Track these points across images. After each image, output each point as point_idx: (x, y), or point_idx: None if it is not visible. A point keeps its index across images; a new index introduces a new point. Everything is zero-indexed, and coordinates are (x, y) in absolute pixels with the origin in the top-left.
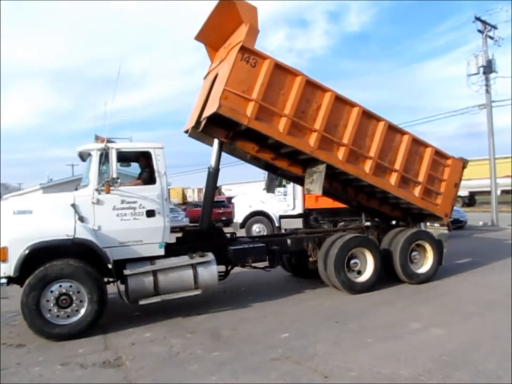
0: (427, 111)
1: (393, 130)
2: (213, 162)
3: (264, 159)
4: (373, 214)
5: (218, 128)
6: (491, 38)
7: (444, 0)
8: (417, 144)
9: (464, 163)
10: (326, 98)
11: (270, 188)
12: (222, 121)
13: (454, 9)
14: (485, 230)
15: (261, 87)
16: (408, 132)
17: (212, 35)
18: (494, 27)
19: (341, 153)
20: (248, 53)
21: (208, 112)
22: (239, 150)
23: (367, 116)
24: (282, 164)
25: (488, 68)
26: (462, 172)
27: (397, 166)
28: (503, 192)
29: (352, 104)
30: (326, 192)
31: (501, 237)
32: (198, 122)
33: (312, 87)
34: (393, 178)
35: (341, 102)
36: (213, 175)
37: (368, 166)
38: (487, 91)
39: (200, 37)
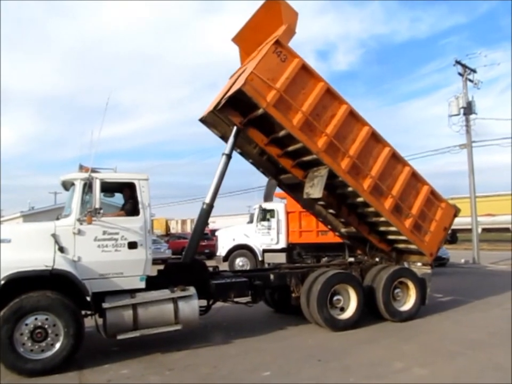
0: (411, 149)
1: (396, 158)
2: (209, 197)
3: (271, 154)
4: (359, 243)
5: (235, 112)
6: (471, 81)
7: (428, 42)
8: (416, 179)
9: (456, 211)
10: (341, 110)
11: (268, 197)
12: (241, 106)
13: (438, 52)
14: (467, 267)
15: (285, 80)
16: (410, 165)
17: (249, 37)
18: (474, 71)
19: (344, 163)
20: (281, 47)
21: (232, 90)
22: (248, 143)
23: (375, 138)
24: (286, 163)
25: (468, 109)
26: (453, 218)
27: (394, 192)
28: (484, 230)
29: (363, 123)
30: (318, 214)
31: (482, 275)
32: (218, 104)
33: (331, 96)
34: (388, 203)
35: (354, 118)
36: (206, 211)
37: (367, 183)
38: (467, 131)
39: (237, 39)
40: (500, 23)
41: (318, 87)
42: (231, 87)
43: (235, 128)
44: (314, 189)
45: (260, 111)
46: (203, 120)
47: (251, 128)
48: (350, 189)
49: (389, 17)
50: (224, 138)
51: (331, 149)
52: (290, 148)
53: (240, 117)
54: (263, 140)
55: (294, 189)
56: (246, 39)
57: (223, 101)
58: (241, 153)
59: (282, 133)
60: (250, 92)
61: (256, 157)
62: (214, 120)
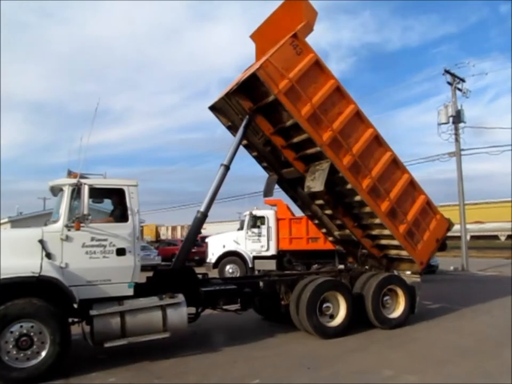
0: (403, 157)
1: (396, 164)
2: (203, 206)
3: (275, 144)
4: (351, 248)
5: (245, 97)
6: (459, 90)
7: (419, 51)
8: (414, 187)
9: (449, 225)
10: (348, 109)
11: (267, 192)
12: (252, 94)
13: (429, 61)
14: (456, 274)
15: (298, 71)
16: (409, 173)
17: (267, 34)
18: (462, 80)
19: (346, 159)
20: (298, 41)
21: (246, 74)
22: (255, 133)
23: (378, 141)
24: (289, 154)
25: (457, 118)
26: (446, 232)
27: (391, 196)
28: (472, 237)
29: (368, 125)
30: (314, 215)
31: (471, 282)
32: (230, 90)
33: (340, 94)
34: (385, 205)
35: (359, 118)
36: (200, 220)
37: (366, 182)
38: (456, 140)
39: (255, 36)
40: (489, 33)
41: (329, 84)
42: (244, 75)
43: (246, 117)
44: (316, 182)
45: (271, 97)
46: (213, 107)
47: (259, 116)
48: (349, 186)
49: (380, 26)
50: (232, 128)
51: (335, 144)
52: (295, 139)
53: (250, 103)
54: (270, 129)
55: (294, 185)
56: (264, 36)
57: (235, 86)
58: (246, 146)
59: (289, 122)
60: (264, 77)
61: (260, 148)
62: (224, 107)
